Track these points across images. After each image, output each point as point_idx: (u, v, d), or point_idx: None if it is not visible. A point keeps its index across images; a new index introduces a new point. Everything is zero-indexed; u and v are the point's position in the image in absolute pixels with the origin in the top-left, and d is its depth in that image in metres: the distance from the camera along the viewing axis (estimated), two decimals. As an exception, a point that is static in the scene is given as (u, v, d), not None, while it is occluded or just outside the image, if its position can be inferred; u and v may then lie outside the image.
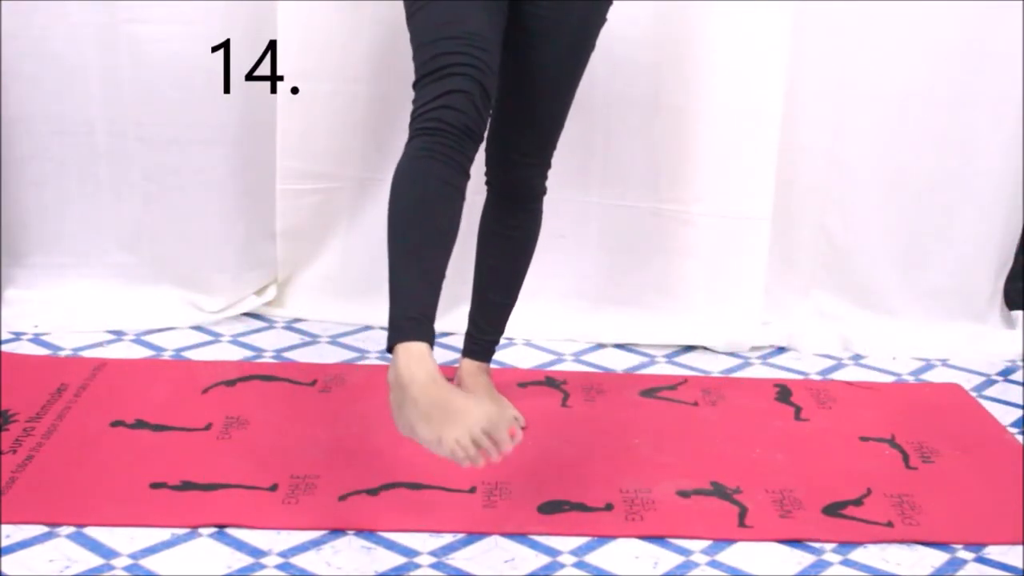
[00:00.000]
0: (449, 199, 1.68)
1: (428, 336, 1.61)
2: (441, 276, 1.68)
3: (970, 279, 2.68)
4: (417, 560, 1.68)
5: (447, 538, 1.74)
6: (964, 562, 1.75)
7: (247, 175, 2.59)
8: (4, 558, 1.62)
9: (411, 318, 1.61)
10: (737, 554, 1.74)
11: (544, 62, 1.90)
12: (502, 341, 2.24)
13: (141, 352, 2.41)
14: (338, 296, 2.65)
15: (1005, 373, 2.53)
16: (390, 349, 1.61)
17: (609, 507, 1.84)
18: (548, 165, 2.03)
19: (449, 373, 2.27)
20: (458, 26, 1.72)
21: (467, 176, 1.72)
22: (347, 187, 2.59)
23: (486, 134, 1.96)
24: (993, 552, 1.78)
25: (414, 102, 1.73)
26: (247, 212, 2.62)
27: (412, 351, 1.58)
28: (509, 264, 2.11)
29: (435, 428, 1.54)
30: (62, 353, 2.37)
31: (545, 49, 1.89)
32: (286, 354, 2.44)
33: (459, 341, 2.51)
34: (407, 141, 1.71)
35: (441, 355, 2.46)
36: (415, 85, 1.74)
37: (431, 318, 1.64)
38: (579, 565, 1.69)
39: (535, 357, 2.49)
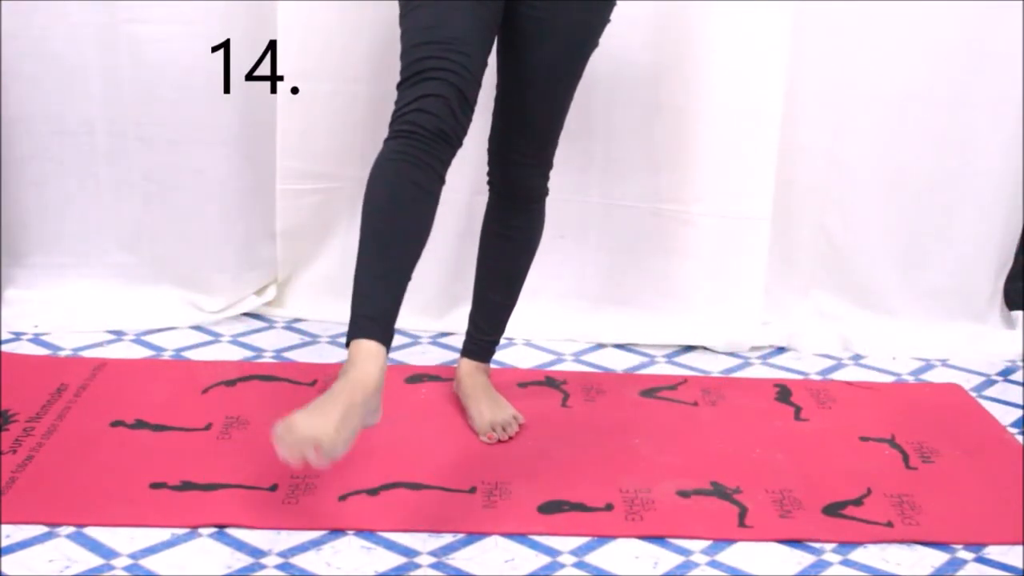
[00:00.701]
0: (418, 201, 1.68)
1: (382, 336, 1.61)
2: (405, 277, 1.67)
3: (970, 279, 2.68)
4: (417, 560, 1.68)
5: (447, 538, 1.74)
6: (964, 562, 1.75)
7: (247, 175, 2.59)
8: (4, 558, 1.62)
9: (368, 317, 1.62)
10: (737, 554, 1.74)
11: (541, 63, 1.90)
12: (502, 341, 2.24)
13: (141, 352, 2.41)
14: (338, 296, 2.63)
15: (1005, 373, 2.53)
16: (348, 345, 1.61)
17: (609, 507, 1.84)
18: (549, 165, 2.03)
19: (449, 373, 2.27)
20: (441, 31, 1.72)
21: (440, 180, 1.72)
22: (347, 187, 2.59)
23: (490, 135, 1.97)
24: (993, 552, 1.78)
25: (395, 103, 1.74)
26: (247, 212, 2.62)
27: (363, 348, 1.59)
28: (510, 264, 2.11)
29: (346, 427, 1.52)
30: (62, 353, 2.37)
31: (542, 50, 1.88)
32: (286, 354, 2.44)
33: (459, 341, 2.51)
34: (383, 142, 1.72)
35: (441, 355, 2.46)
36: (398, 87, 1.75)
37: (389, 319, 1.64)
38: (579, 565, 1.69)
39: (535, 357, 2.49)
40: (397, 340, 2.52)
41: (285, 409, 2.13)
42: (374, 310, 1.62)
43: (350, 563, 1.66)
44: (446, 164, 1.73)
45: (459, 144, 1.74)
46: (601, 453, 2.03)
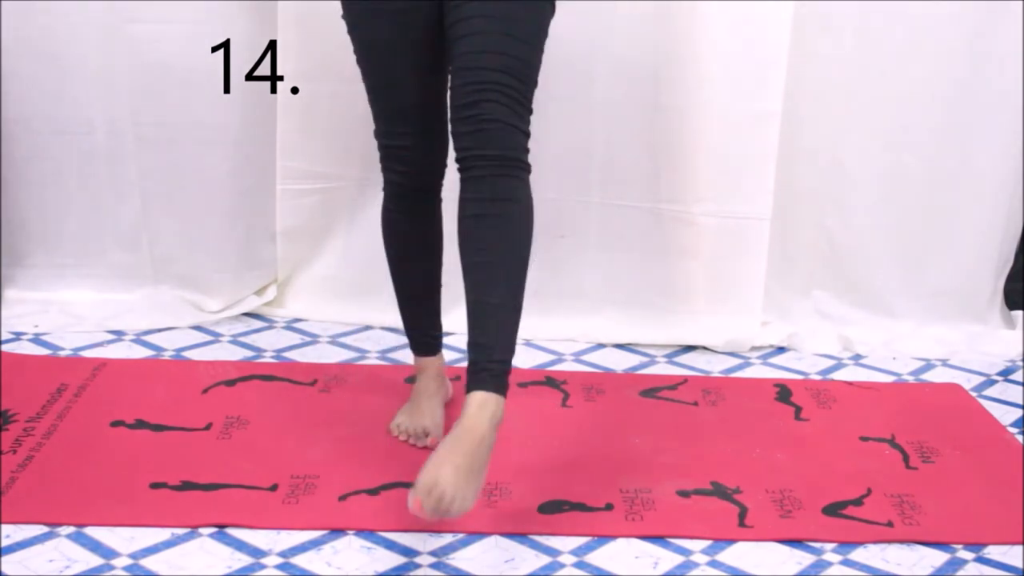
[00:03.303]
0: (423, 239, 2.01)
1: (427, 351, 2.11)
2: (434, 295, 2.07)
3: (970, 279, 2.68)
4: (417, 560, 1.68)
5: (447, 538, 1.74)
6: (964, 562, 1.75)
7: (247, 175, 2.59)
8: (4, 558, 1.62)
9: (416, 341, 2.11)
10: (737, 554, 1.74)
11: (478, 11, 1.70)
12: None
13: (141, 352, 2.41)
14: (338, 296, 2.65)
15: (1005, 373, 2.53)
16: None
17: (609, 507, 1.84)
18: (524, 122, 1.73)
19: (449, 373, 2.27)
20: (390, 101, 1.87)
21: (437, 202, 1.99)
22: (347, 187, 2.59)
23: (451, 98, 1.78)
24: (993, 552, 1.78)
25: (375, 135, 1.92)
26: (247, 212, 2.62)
27: (417, 364, 2.12)
28: (502, 249, 1.73)
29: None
30: (62, 353, 2.37)
31: (472, 5, 1.71)
32: (286, 354, 2.44)
33: (459, 341, 2.52)
34: (383, 179, 1.96)
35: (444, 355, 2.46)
36: (374, 132, 1.92)
37: (432, 335, 2.11)
38: (579, 565, 1.69)
39: (535, 357, 2.49)
40: (397, 340, 2.52)
41: (285, 409, 2.14)
42: (416, 333, 2.10)
43: (350, 563, 1.66)
44: (438, 191, 1.97)
45: (444, 167, 1.95)
46: (601, 453, 2.03)
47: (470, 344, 1.71)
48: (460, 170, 1.74)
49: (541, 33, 1.76)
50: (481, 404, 1.66)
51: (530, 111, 1.75)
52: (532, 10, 1.74)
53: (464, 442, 1.61)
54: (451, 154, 1.92)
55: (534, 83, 1.75)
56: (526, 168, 1.73)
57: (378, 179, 1.99)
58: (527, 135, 1.74)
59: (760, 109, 2.47)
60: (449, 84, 1.77)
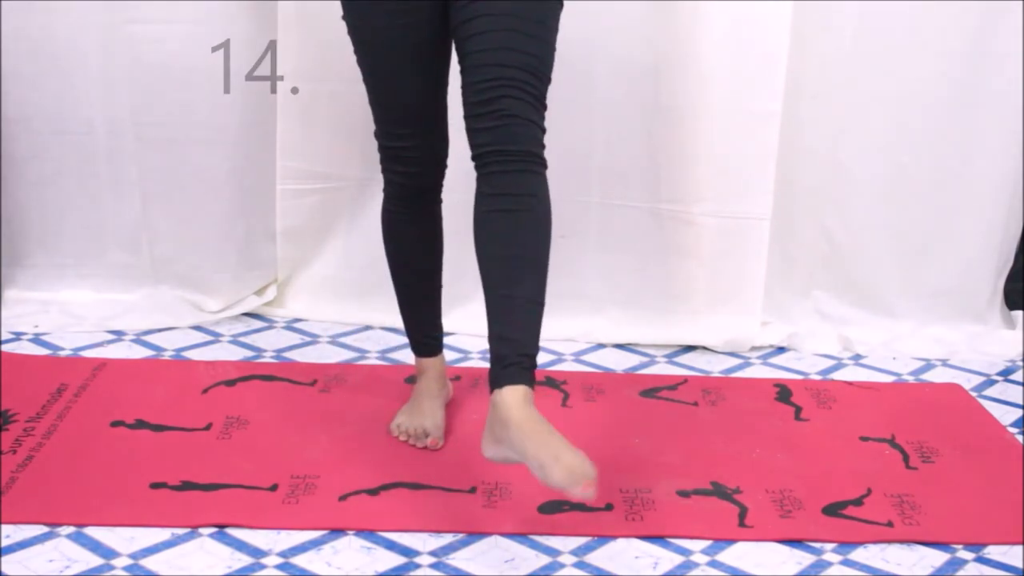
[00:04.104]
0: (424, 240, 2.01)
1: (428, 351, 2.11)
2: (435, 295, 2.08)
3: (970, 279, 2.68)
4: (417, 560, 1.68)
5: (447, 538, 1.74)
6: (964, 562, 1.74)
7: (247, 175, 2.59)
8: (4, 558, 1.62)
9: (417, 341, 2.11)
10: (737, 554, 1.74)
11: (488, 11, 1.69)
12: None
13: (141, 352, 2.41)
14: (338, 296, 2.65)
15: (1005, 373, 2.53)
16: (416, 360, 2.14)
17: (609, 507, 1.84)
18: (542, 129, 1.72)
19: (449, 372, 2.27)
20: (393, 106, 1.87)
21: (437, 202, 1.99)
22: (347, 187, 2.59)
23: (463, 95, 1.76)
24: (993, 552, 1.78)
25: (375, 135, 1.92)
26: (247, 212, 2.62)
27: (418, 364, 2.12)
28: (526, 241, 1.70)
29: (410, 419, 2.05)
30: (62, 353, 2.38)
31: (482, 4, 1.69)
32: (286, 354, 2.44)
33: (459, 341, 2.52)
34: (383, 179, 1.96)
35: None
36: (374, 133, 1.92)
37: (433, 336, 2.11)
38: (579, 565, 1.69)
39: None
40: (396, 340, 2.52)
41: (285, 409, 2.14)
42: (419, 337, 2.10)
43: (350, 563, 1.66)
44: (438, 192, 1.98)
45: (444, 167, 1.95)
46: (601, 453, 2.02)
47: (495, 338, 1.67)
48: (478, 167, 1.71)
49: (552, 30, 1.76)
50: (525, 396, 1.67)
51: (545, 107, 1.73)
52: (542, 8, 1.73)
53: (544, 429, 1.63)
54: (451, 155, 1.93)
55: (548, 80, 1.74)
56: (544, 164, 1.72)
57: (378, 179, 1.99)
58: (544, 131, 1.72)
59: (760, 109, 2.47)
60: (462, 82, 1.73)
